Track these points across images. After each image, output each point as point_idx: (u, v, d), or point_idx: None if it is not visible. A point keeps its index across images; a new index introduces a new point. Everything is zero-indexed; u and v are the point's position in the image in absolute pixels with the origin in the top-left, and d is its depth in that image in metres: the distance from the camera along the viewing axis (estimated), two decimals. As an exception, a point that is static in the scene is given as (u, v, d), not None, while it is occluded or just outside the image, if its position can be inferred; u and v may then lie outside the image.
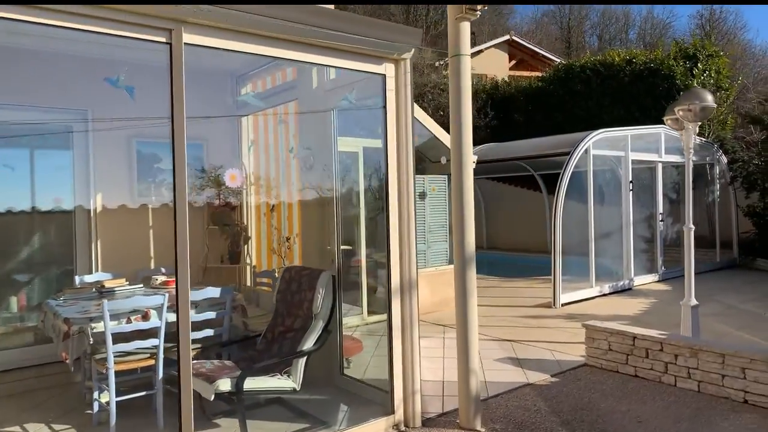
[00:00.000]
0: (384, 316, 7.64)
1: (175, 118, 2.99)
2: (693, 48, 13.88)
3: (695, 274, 11.16)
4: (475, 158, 8.81)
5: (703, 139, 11.54)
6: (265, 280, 5.41)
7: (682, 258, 11.64)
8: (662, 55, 14.12)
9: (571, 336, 6.39)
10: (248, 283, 5.83)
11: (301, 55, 3.56)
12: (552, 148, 9.08)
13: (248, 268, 5.83)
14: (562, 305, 8.12)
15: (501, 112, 17.29)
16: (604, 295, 8.85)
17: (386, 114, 3.97)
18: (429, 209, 8.16)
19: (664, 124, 6.31)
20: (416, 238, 4.02)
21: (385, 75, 3.93)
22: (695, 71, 13.30)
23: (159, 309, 3.88)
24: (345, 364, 5.31)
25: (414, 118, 7.03)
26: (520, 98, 17.00)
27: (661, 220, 10.15)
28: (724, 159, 11.88)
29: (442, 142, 8.29)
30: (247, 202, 6.02)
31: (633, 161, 9.63)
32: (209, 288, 4.17)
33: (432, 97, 18.69)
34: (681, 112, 5.58)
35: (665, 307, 7.88)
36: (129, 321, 3.90)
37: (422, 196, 8.10)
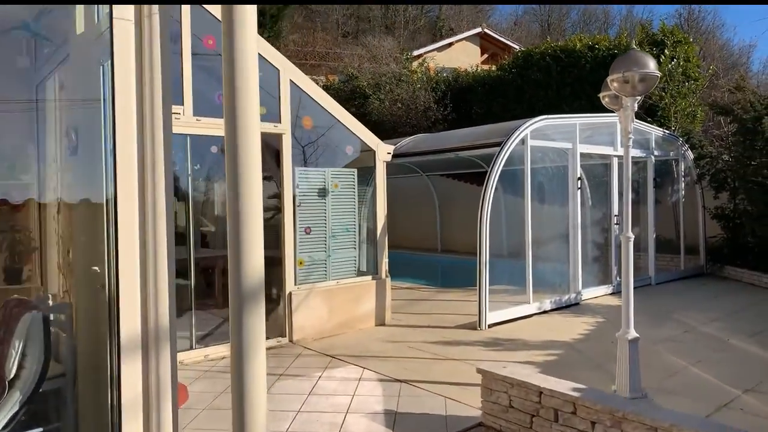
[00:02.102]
0: (269, 342, 6.17)
1: None
2: (661, 34, 12.63)
3: (656, 284, 9.99)
4: (390, 149, 7.41)
5: (667, 132, 10.26)
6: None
7: (640, 266, 10.39)
8: (627, 41, 12.85)
9: (482, 374, 4.99)
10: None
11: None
12: (485, 138, 7.70)
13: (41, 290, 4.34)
14: (489, 326, 6.74)
15: (460, 104, 15.92)
16: (544, 312, 7.49)
17: (114, 64, 2.46)
18: (331, 209, 6.70)
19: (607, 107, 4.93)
20: (168, 263, 2.52)
21: (110, -3, 2.43)
22: (662, 58, 12.04)
23: None
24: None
25: (311, 99, 5.55)
26: (478, 89, 15.64)
27: (617, 223, 8.84)
28: (691, 155, 10.63)
29: (349, 129, 6.86)
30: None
31: (583, 155, 8.28)
32: None
33: (390, 88, 17.29)
34: (616, 84, 4.20)
35: (612, 330, 6.51)
36: None
37: (323, 193, 6.64)
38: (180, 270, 6.97)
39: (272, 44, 18.41)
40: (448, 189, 14.40)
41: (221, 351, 5.77)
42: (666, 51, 12.11)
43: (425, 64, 19.48)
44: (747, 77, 11.33)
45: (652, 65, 4.06)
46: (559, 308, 7.70)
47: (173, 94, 5.34)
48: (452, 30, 33.30)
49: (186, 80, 5.43)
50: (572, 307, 7.85)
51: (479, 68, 16.98)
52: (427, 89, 16.16)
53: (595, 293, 8.41)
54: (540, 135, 7.45)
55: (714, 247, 10.68)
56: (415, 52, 23.69)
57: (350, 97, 18.28)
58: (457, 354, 5.71)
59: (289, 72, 6.19)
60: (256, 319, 2.56)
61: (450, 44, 26.91)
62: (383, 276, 7.12)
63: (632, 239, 4.45)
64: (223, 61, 2.55)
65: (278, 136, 6.15)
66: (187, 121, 5.45)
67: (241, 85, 2.57)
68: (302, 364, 5.45)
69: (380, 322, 6.99)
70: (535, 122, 7.32)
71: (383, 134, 14.49)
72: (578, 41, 13.64)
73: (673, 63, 12.10)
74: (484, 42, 27.79)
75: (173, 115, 4.99)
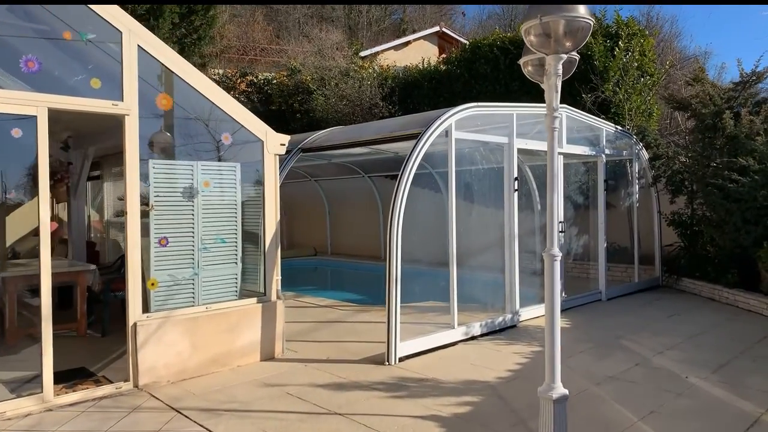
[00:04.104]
0: (105, 389, 4.62)
1: None
2: (615, 26, 11.67)
3: (607, 300, 8.71)
4: (284, 140, 6.04)
5: (619, 128, 9.21)
6: None
7: (590, 278, 9.28)
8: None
9: (364, 439, 3.68)
10: None
11: None
12: (402, 129, 6.41)
13: None
14: (400, 360, 5.43)
15: (407, 100, 14.70)
16: (473, 338, 6.23)
17: None
18: (201, 214, 5.29)
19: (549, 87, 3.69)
20: None
21: None
22: (616, 51, 11.06)
23: None
24: None
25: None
26: (425, 84, 14.47)
27: (562, 231, 7.68)
28: (646, 154, 9.61)
29: (227, 113, 5.46)
30: None
31: (523, 151, 7.10)
32: None
33: (336, 82, 15.94)
34: (533, 38, 2.95)
35: (549, 363, 5.29)
36: None
37: (189, 193, 5.22)
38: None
39: (204, 33, 16.66)
40: (392, 192, 13.10)
41: (26, 406, 4.28)
42: (620, 43, 11.14)
43: (377, 62, 18.22)
44: (704, 69, 10.42)
45: (582, 9, 2.82)
46: (491, 332, 6.46)
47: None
48: (416, 32, 32.43)
49: (-31, 36, 3.96)
50: (507, 330, 6.62)
51: (426, 62, 15.78)
52: (374, 85, 14.91)
53: (536, 312, 7.21)
54: (468, 126, 6.21)
55: (671, 257, 9.68)
56: (371, 51, 22.48)
57: (293, 92, 16.90)
58: (345, 404, 4.36)
59: (138, 35, 4.76)
60: None
61: (407, 43, 25.83)
62: (273, 298, 5.73)
63: (558, 258, 3.20)
64: None
65: (120, 118, 4.71)
66: (-27, 94, 3.97)
67: None
68: (129, 425, 4.01)
69: (267, 356, 5.60)
70: (461, 110, 6.07)
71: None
72: (528, 32, 12.58)
73: (627, 56, 11.14)
74: (443, 41, 26.88)
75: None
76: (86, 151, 8.38)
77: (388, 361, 5.35)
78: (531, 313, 7.12)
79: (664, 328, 6.69)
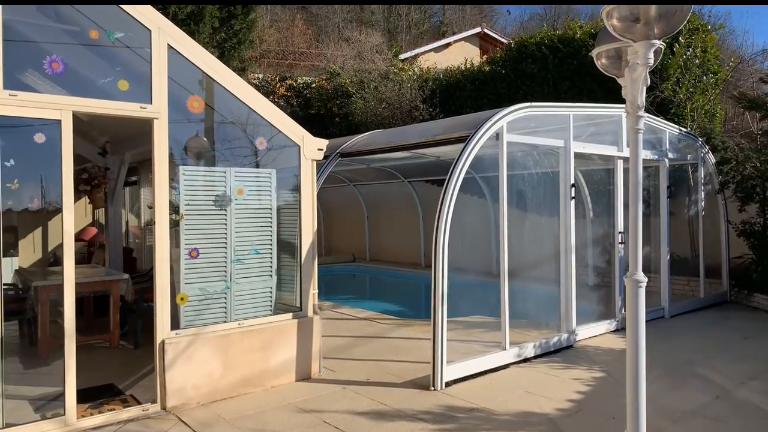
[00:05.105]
0: (131, 411, 4.30)
1: None
2: (674, 20, 10.87)
3: (670, 317, 7.89)
4: (322, 144, 5.66)
5: (684, 130, 8.48)
6: None
7: (650, 292, 8.48)
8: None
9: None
10: None
11: None
12: (447, 132, 5.94)
13: None
14: (447, 384, 4.95)
15: (449, 102, 14.21)
16: (526, 360, 5.69)
17: None
18: (234, 224, 4.96)
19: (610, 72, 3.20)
20: None
21: None
22: (676, 47, 10.29)
23: None
24: None
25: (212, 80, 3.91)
26: (468, 86, 13.93)
27: (622, 242, 7.04)
28: (712, 158, 8.83)
29: (262, 116, 5.13)
30: None
31: (579, 155, 6.52)
32: None
33: (375, 85, 15.62)
34: (616, 22, 2.47)
35: (615, 391, 4.73)
36: None
37: (221, 201, 4.90)
38: None
39: (244, 37, 16.59)
40: (433, 197, 12.65)
41: (48, 430, 4.01)
42: (681, 39, 10.35)
43: (417, 64, 17.80)
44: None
45: (681, -17, 2.31)
46: (545, 354, 5.90)
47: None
48: (455, 34, 31.94)
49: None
50: (563, 351, 6.05)
51: (468, 62, 15.24)
52: (414, 87, 14.49)
53: (594, 331, 6.61)
54: (520, 128, 5.69)
55: (740, 270, 8.85)
56: (410, 53, 22.06)
57: (332, 96, 16.67)
58: (387, 437, 3.93)
59: (168, 34, 4.47)
60: None
61: (447, 45, 25.32)
62: (310, 313, 5.35)
63: (644, 284, 2.69)
64: None
65: (148, 122, 4.43)
66: (-4, 97, 3.74)
67: None
68: (153, 456, 3.69)
69: (303, 376, 5.22)
70: (514, 111, 5.55)
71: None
72: (578, 29, 11.92)
73: (689, 53, 10.34)
74: (484, 43, 26.25)
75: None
76: (123, 156, 8.25)
77: (433, 386, 4.89)
78: (588, 332, 6.52)
79: (741, 353, 5.98)
